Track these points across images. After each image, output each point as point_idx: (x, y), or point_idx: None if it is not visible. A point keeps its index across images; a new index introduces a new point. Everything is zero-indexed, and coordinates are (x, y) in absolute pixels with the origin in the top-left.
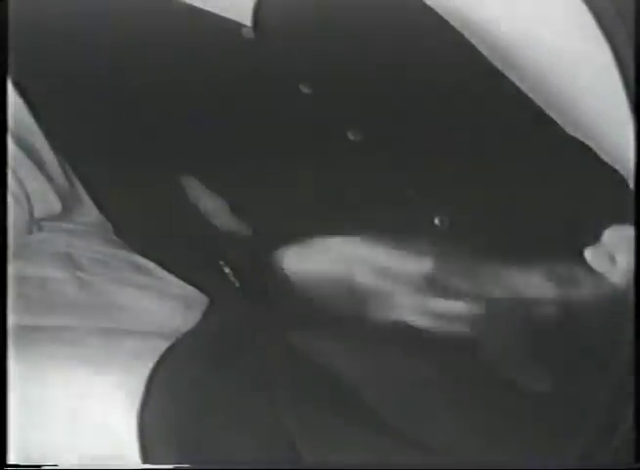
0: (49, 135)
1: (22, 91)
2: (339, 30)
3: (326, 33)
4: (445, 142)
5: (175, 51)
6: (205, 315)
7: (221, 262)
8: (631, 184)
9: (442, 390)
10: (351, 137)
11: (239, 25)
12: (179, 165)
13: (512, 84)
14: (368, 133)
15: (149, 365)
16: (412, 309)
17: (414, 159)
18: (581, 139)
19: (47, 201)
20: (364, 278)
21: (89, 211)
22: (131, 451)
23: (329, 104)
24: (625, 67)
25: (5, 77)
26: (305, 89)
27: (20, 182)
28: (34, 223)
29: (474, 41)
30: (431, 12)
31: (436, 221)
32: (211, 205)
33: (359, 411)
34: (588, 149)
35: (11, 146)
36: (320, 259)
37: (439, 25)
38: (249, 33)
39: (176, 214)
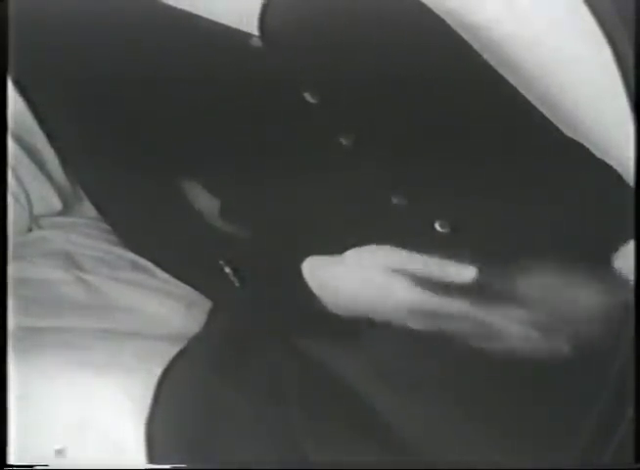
0: (50, 136)
1: (22, 90)
2: (345, 38)
3: (333, 41)
4: (446, 146)
5: (182, 59)
6: (210, 318)
7: (221, 262)
8: (631, 185)
9: (462, 403)
10: (344, 142)
11: (247, 35)
12: (182, 171)
13: (512, 87)
14: (370, 140)
15: (151, 368)
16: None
17: (416, 163)
18: (581, 140)
19: (47, 200)
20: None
21: (90, 210)
22: (136, 455)
23: (333, 111)
24: (625, 67)
25: (5, 77)
26: (310, 97)
27: (20, 181)
28: (34, 221)
29: (475, 44)
30: (438, 19)
31: (437, 226)
32: (211, 208)
33: (373, 424)
34: (587, 151)
35: (11, 145)
36: (330, 265)
37: (446, 32)
38: (256, 42)
39: (176, 216)
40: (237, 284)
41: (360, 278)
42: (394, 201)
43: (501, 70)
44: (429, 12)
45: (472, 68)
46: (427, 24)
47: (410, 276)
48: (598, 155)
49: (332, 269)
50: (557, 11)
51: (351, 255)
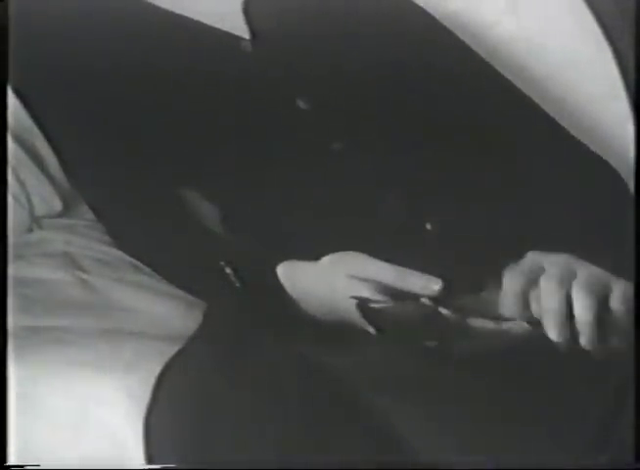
0: (49, 139)
1: (21, 97)
2: (338, 42)
3: (325, 44)
4: (441, 148)
5: (176, 63)
6: (207, 317)
7: (222, 263)
8: (631, 185)
9: (460, 402)
10: (338, 148)
11: (237, 39)
12: (178, 175)
13: (512, 88)
14: (364, 145)
15: (151, 368)
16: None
17: (411, 166)
18: (582, 140)
19: (48, 201)
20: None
21: (89, 211)
22: (135, 455)
23: (326, 117)
24: (625, 67)
25: (5, 79)
26: (302, 104)
27: (21, 182)
28: (34, 222)
29: (475, 45)
30: (432, 20)
31: (428, 226)
32: (209, 213)
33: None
34: (589, 152)
35: (12, 146)
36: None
37: (440, 33)
38: (247, 47)
39: (174, 220)
40: (237, 284)
41: (328, 284)
42: (389, 203)
43: (502, 71)
44: (424, 14)
45: (468, 69)
46: (422, 27)
47: (375, 285)
48: (599, 153)
49: (305, 273)
50: (557, 12)
51: (326, 260)
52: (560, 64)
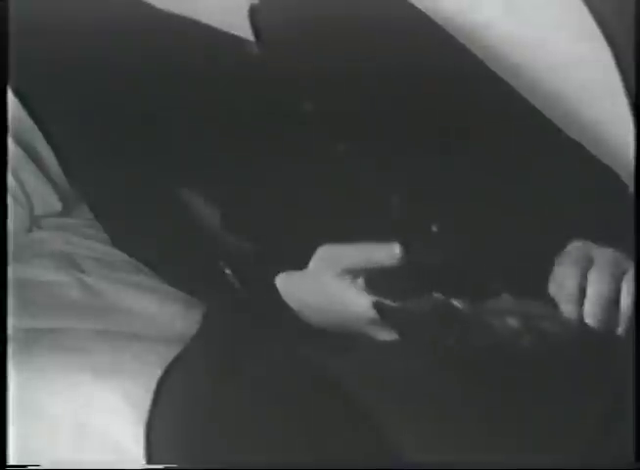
0: (48, 139)
1: (21, 97)
2: (340, 42)
3: (325, 43)
4: (444, 149)
5: (180, 64)
6: (206, 318)
7: (221, 263)
8: (631, 185)
9: (459, 402)
10: (342, 149)
11: (243, 41)
12: (178, 175)
13: (511, 89)
14: (368, 146)
15: (151, 370)
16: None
17: (414, 167)
18: (581, 142)
19: (48, 201)
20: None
21: (89, 211)
22: (135, 459)
23: (330, 119)
24: (625, 67)
25: (5, 78)
26: (307, 104)
27: (20, 182)
28: (34, 222)
29: (474, 45)
30: (433, 23)
31: (434, 228)
32: (209, 213)
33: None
34: (587, 152)
35: (12, 146)
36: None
37: (441, 36)
38: (253, 49)
39: (174, 220)
40: (237, 286)
41: (320, 292)
42: (395, 204)
43: (500, 72)
44: (425, 17)
45: (470, 72)
46: (424, 30)
47: (364, 279)
48: (597, 155)
49: (299, 285)
50: (556, 11)
51: (311, 267)
52: (558, 64)
